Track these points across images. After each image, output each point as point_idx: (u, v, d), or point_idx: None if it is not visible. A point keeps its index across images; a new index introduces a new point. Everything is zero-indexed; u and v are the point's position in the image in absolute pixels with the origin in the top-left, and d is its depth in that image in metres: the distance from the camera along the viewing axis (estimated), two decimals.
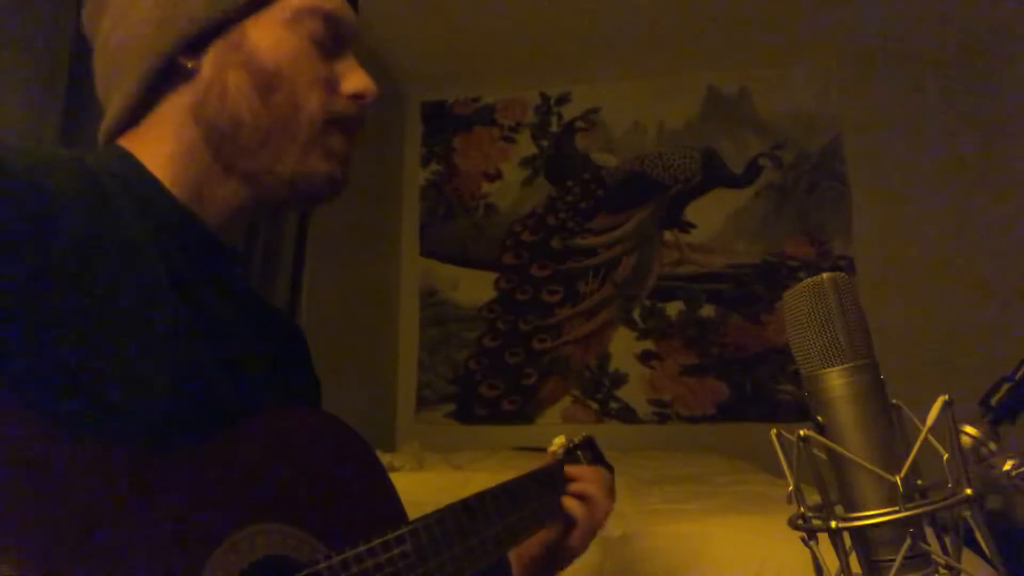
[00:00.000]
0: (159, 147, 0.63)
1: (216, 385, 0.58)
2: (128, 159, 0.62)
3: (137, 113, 0.64)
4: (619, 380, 3.04)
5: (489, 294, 3.22)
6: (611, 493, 0.87)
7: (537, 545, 0.84)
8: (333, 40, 0.66)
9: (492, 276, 3.23)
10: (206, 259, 0.64)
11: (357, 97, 0.66)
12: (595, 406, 3.05)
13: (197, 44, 0.62)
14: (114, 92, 0.65)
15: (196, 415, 0.54)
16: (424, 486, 1.71)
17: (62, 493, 0.43)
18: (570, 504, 0.84)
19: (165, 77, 0.62)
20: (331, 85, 0.65)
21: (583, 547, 0.85)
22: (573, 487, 0.85)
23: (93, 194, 0.55)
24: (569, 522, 0.84)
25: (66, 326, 0.49)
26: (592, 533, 0.85)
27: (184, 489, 0.49)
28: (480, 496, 0.70)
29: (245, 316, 0.67)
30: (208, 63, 0.62)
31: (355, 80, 0.66)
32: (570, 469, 0.87)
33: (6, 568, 0.39)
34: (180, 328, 0.56)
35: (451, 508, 0.66)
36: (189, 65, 0.62)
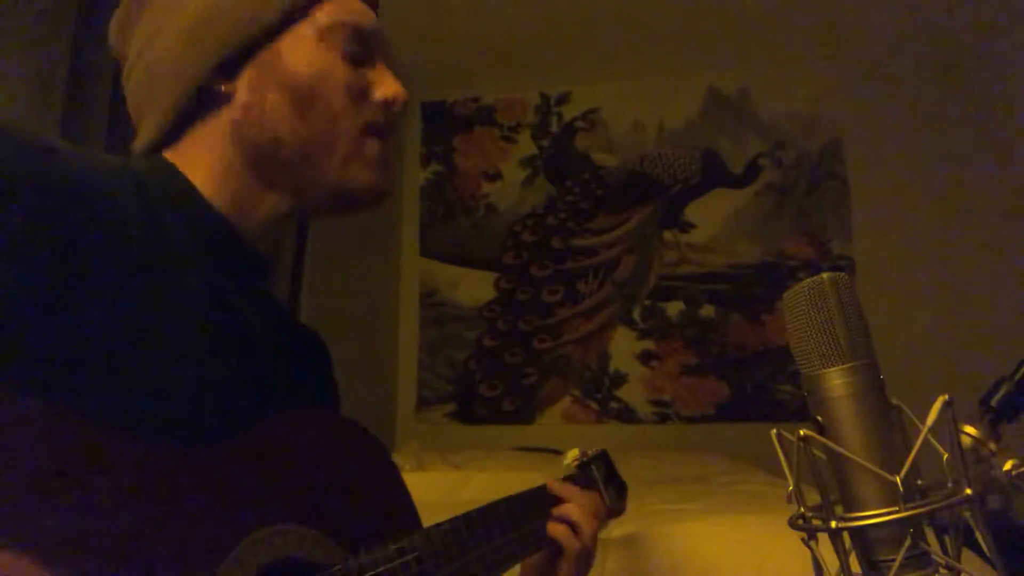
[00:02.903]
0: (198, 164, 0.63)
1: (242, 393, 0.59)
2: (171, 170, 0.63)
3: (173, 133, 0.64)
4: (619, 380, 3.04)
5: (489, 294, 3.21)
6: (595, 517, 0.82)
7: (532, 573, 0.80)
8: (361, 49, 0.66)
9: (492, 276, 3.23)
10: (242, 270, 0.64)
11: (388, 103, 0.67)
12: (595, 406, 3.05)
13: (230, 67, 0.63)
14: (147, 113, 0.65)
15: (221, 421, 0.55)
16: (424, 486, 1.71)
17: (82, 490, 0.43)
18: (554, 529, 0.79)
19: (200, 101, 0.63)
20: (363, 94, 0.66)
21: (575, 573, 0.79)
22: (557, 511, 0.80)
23: (142, 201, 0.56)
24: (558, 549, 0.79)
25: (105, 328, 0.49)
26: (581, 560, 0.79)
27: (202, 489, 0.50)
28: (485, 510, 0.70)
29: (273, 327, 0.68)
30: (243, 85, 0.63)
31: (386, 87, 0.67)
32: (559, 488, 0.82)
33: (26, 563, 0.39)
34: (212, 336, 0.57)
35: (466, 516, 0.66)
36: (224, 89, 0.62)
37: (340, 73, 0.64)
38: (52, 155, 0.50)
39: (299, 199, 0.65)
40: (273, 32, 0.63)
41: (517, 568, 0.80)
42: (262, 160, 0.63)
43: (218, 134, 0.63)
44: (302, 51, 0.63)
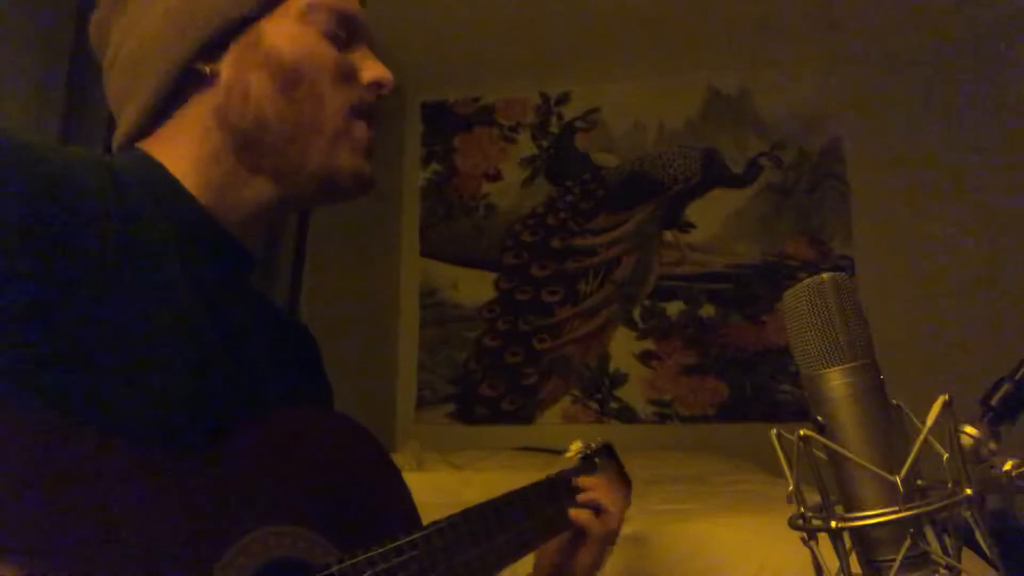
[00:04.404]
0: (181, 152, 0.63)
1: (231, 389, 0.58)
2: (150, 163, 0.62)
3: (155, 120, 0.64)
4: (619, 380, 3.04)
5: (489, 294, 3.21)
6: (621, 502, 0.84)
7: (549, 559, 0.81)
8: (345, 33, 0.66)
9: (492, 276, 3.23)
10: (224, 263, 0.64)
11: (376, 86, 0.67)
12: (595, 406, 3.05)
13: (214, 48, 0.62)
14: (129, 102, 0.64)
15: (210, 418, 0.54)
16: (424, 486, 1.71)
17: (74, 493, 0.43)
18: (579, 515, 0.80)
19: (183, 84, 0.62)
20: (349, 75, 0.66)
21: (598, 559, 0.81)
22: (582, 497, 0.81)
23: (119, 196, 0.55)
24: (580, 534, 0.81)
25: (86, 326, 0.49)
26: (606, 544, 0.81)
27: (197, 490, 0.49)
28: (487, 505, 0.70)
29: (260, 321, 0.67)
30: (227, 66, 0.62)
31: (372, 69, 0.67)
32: (581, 480, 0.84)
33: (17, 567, 0.39)
34: (197, 332, 0.56)
35: (463, 514, 0.66)
36: (208, 70, 0.62)
37: (324, 53, 0.64)
38: (24, 151, 0.50)
39: (283, 185, 0.64)
40: (257, 12, 0.63)
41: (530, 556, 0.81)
42: (247, 143, 0.62)
43: (201, 119, 0.63)
44: (285, 30, 0.63)
